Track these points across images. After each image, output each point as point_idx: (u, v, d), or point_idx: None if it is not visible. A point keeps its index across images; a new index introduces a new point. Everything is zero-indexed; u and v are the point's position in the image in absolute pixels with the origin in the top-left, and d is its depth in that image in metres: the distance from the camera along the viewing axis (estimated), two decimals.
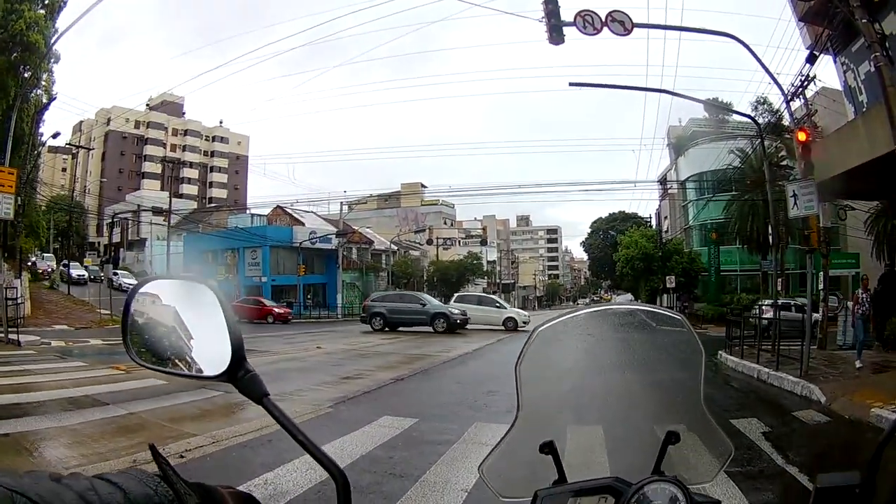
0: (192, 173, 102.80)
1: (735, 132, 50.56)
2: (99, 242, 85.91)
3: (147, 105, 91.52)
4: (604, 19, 16.02)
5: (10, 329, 19.95)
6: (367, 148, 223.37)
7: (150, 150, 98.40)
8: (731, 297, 46.09)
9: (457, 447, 7.39)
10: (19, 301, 24.45)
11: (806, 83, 19.07)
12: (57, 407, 9.29)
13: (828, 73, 20.83)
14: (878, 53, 12.62)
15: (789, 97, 19.16)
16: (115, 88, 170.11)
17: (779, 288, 24.81)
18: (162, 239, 54.73)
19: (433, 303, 34.49)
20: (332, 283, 59.50)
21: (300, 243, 57.62)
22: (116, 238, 73.60)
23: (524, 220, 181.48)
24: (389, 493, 5.73)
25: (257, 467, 6.23)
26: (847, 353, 17.70)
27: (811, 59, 18.49)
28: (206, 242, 57.59)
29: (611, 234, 77.89)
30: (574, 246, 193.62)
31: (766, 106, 35.34)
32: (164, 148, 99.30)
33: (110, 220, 59.74)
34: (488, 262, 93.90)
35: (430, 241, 78.56)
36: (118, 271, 53.93)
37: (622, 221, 77.17)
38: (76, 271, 54.60)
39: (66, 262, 52.85)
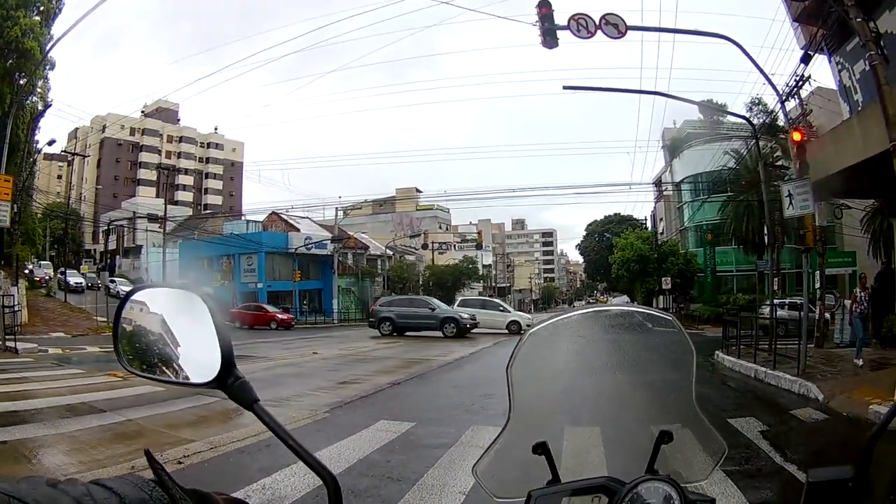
0: (188, 180, 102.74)
1: (730, 133, 50.65)
2: (95, 250, 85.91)
3: (142, 112, 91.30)
4: (597, 22, 16.00)
5: (7, 337, 19.95)
6: (361, 153, 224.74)
7: (145, 156, 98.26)
8: (727, 297, 46.10)
9: (454, 450, 7.39)
10: (16, 308, 24.43)
11: (801, 83, 19.13)
12: (55, 414, 9.28)
13: (823, 72, 20.89)
14: (872, 52, 12.65)
15: (784, 97, 19.22)
16: (110, 95, 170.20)
17: (775, 288, 24.90)
18: (158, 246, 54.72)
19: (442, 307, 34.12)
20: (327, 289, 59.36)
21: (296, 249, 57.59)
22: (112, 245, 73.65)
23: (519, 223, 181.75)
24: (387, 496, 5.73)
25: (255, 472, 6.22)
26: (844, 351, 17.74)
27: (806, 59, 18.56)
28: (202, 249, 57.52)
29: (606, 236, 78.12)
30: (569, 249, 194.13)
31: (760, 107, 35.47)
32: (160, 155, 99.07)
33: (106, 228, 59.73)
34: (484, 265, 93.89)
35: (425, 246, 78.50)
36: (115, 279, 53.78)
37: (618, 224, 77.21)
38: (74, 279, 54.28)
39: (62, 269, 52.63)
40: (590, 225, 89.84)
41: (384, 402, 11.77)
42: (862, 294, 17.20)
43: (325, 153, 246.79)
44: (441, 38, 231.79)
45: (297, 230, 62.36)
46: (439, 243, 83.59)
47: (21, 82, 30.53)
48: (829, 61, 19.15)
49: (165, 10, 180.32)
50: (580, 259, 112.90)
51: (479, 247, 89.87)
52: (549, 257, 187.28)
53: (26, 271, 45.87)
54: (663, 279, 47.73)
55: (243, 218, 68.26)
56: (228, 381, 1.11)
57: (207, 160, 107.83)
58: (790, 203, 15.14)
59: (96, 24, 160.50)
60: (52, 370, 15.68)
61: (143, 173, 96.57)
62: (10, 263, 31.28)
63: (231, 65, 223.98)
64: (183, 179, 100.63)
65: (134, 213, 65.14)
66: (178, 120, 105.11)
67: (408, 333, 32.07)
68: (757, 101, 38.14)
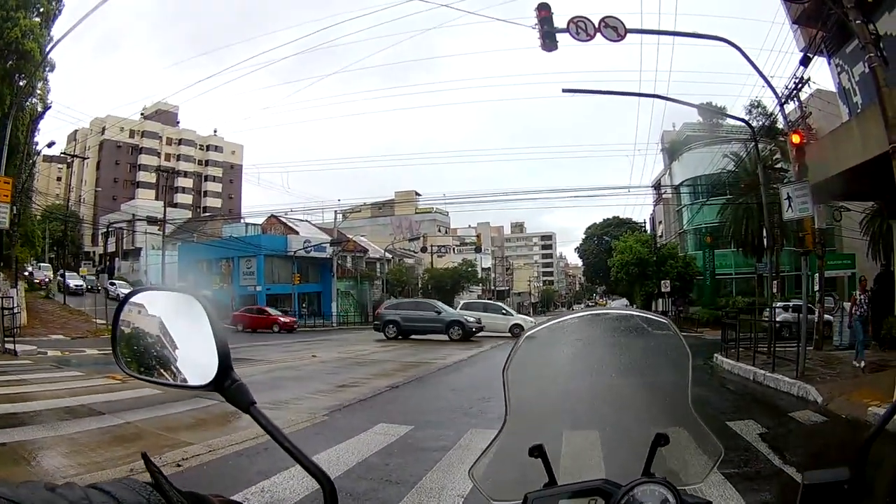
0: (187, 182, 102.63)
1: (729, 136, 50.67)
2: (94, 252, 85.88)
3: (141, 114, 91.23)
4: (597, 25, 16.01)
5: (6, 338, 19.92)
6: (360, 156, 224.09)
7: (144, 159, 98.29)
8: (726, 300, 46.13)
9: (452, 454, 7.39)
10: (16, 310, 24.41)
11: (800, 85, 19.15)
12: (53, 416, 9.28)
13: (822, 74, 20.90)
14: (872, 54, 12.63)
15: (783, 100, 19.23)
16: (109, 98, 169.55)
17: (774, 290, 24.91)
18: (157, 248, 54.71)
19: (448, 310, 34.04)
20: (326, 292, 59.37)
21: (294, 252, 57.58)
22: (112, 248, 73.60)
23: (518, 226, 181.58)
24: (386, 499, 5.74)
25: (254, 475, 6.23)
26: (844, 354, 17.75)
27: (805, 62, 18.57)
28: (201, 252, 57.42)
29: (605, 239, 78.07)
30: (569, 252, 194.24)
31: (760, 109, 35.53)
32: (159, 157, 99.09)
33: (105, 230, 59.65)
34: (483, 269, 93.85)
35: (424, 249, 78.45)
36: (115, 281, 53.78)
37: (616, 227, 77.24)
38: (74, 281, 54.23)
39: (62, 272, 52.58)
40: (589, 228, 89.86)
41: (383, 405, 11.78)
42: (862, 297, 17.21)
43: (324, 156, 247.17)
44: (441, 41, 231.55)
45: (297, 233, 62.39)
46: (438, 246, 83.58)
47: (21, 84, 30.54)
48: (829, 63, 19.16)
49: (165, 13, 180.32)
50: (579, 262, 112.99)
51: (478, 250, 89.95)
52: (549, 260, 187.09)
53: (26, 273, 45.86)
54: (662, 282, 47.71)
55: (242, 221, 68.15)
56: (225, 383, 1.12)
57: (207, 163, 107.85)
58: (789, 205, 15.14)
59: (96, 26, 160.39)
60: (51, 372, 15.69)
61: (143, 176, 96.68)
62: (10, 265, 31.29)
63: (231, 67, 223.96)
64: (182, 182, 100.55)
65: (133, 215, 65.16)
66: (178, 122, 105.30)
67: (413, 336, 31.98)
68: (756, 104, 38.28)
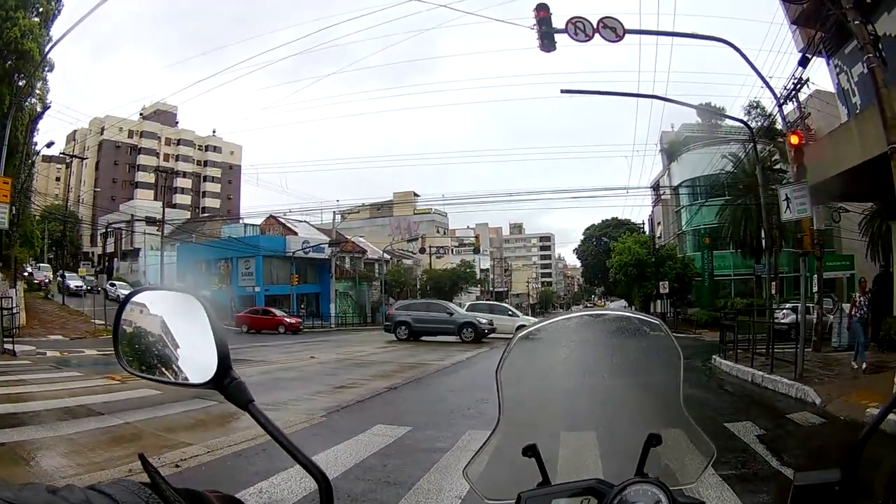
0: (186, 183, 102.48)
1: (728, 137, 50.67)
2: (93, 252, 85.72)
3: (140, 114, 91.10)
4: (595, 26, 16.00)
5: (5, 339, 19.92)
6: (359, 157, 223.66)
7: (143, 159, 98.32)
8: (724, 301, 46.09)
9: (450, 455, 7.40)
10: (15, 311, 24.42)
11: (799, 86, 19.16)
12: (53, 417, 9.29)
13: (821, 75, 20.93)
14: (871, 55, 12.64)
15: (782, 101, 19.23)
16: (108, 98, 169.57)
17: (773, 292, 24.88)
18: (156, 249, 54.57)
19: (460, 312, 33.70)
20: (325, 293, 59.32)
21: (293, 253, 57.49)
22: (110, 248, 73.51)
23: (517, 227, 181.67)
24: (384, 500, 5.76)
25: (252, 476, 6.24)
26: (842, 355, 17.75)
27: (804, 62, 18.58)
28: (200, 252, 57.32)
29: (604, 240, 77.97)
30: (567, 253, 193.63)
31: (758, 110, 35.53)
32: (158, 157, 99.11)
33: (104, 230, 59.60)
34: (481, 270, 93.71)
35: (422, 250, 78.49)
36: (115, 282, 53.81)
37: (615, 228, 77.02)
38: (74, 282, 54.13)
39: (62, 272, 52.51)
40: (587, 229, 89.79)
41: (381, 406, 11.78)
42: (862, 299, 17.19)
43: (322, 156, 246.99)
44: (439, 42, 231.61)
45: (295, 234, 62.35)
46: (437, 247, 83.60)
47: (20, 84, 30.50)
48: (828, 64, 19.19)
49: (164, 13, 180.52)
50: (578, 263, 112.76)
51: (476, 251, 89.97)
52: (547, 261, 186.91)
53: (25, 273, 45.85)
54: (661, 283, 47.64)
55: (241, 221, 68.09)
56: (224, 381, 1.13)
57: (205, 163, 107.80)
58: (788, 207, 15.13)
59: (95, 26, 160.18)
60: (50, 373, 15.70)
61: (142, 176, 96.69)
62: (9, 265, 31.28)
63: (229, 67, 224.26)
64: (181, 182, 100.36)
65: (132, 215, 65.11)
66: (177, 122, 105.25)
67: (423, 338, 31.87)
68: (755, 105, 38.25)
